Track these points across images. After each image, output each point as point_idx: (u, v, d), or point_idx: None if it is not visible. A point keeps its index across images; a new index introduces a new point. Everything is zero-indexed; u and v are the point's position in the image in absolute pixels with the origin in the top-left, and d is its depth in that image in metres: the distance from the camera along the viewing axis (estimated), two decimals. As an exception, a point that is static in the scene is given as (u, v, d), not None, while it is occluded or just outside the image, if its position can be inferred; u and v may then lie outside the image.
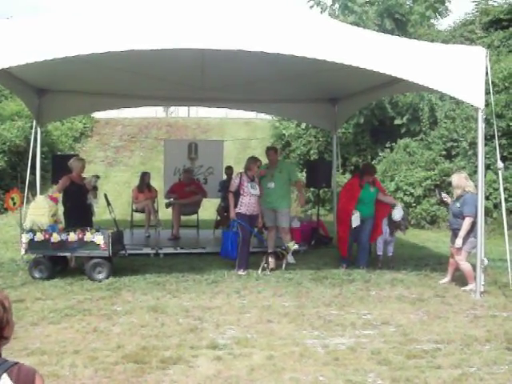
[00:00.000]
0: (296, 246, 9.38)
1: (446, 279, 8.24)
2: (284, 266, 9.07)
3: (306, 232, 11.58)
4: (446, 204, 9.22)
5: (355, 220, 9.07)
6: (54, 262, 8.31)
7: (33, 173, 10.71)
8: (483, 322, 6.31)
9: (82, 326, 5.96)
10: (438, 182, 14.69)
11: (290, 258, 9.59)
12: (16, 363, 2.05)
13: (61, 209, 9.10)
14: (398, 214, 9.24)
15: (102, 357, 5.03)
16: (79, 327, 5.91)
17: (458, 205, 7.92)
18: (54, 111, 11.70)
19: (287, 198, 9.89)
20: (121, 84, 10.85)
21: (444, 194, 8.82)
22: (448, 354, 5.24)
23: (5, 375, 1.98)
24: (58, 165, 10.90)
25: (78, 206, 9.05)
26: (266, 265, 8.82)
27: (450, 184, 8.41)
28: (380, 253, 9.43)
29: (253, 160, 9.27)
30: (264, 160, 9.97)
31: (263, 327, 6.03)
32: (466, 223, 7.70)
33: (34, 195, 9.70)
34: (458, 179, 8.02)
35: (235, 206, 8.99)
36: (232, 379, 4.58)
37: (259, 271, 8.75)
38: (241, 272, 8.72)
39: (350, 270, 8.93)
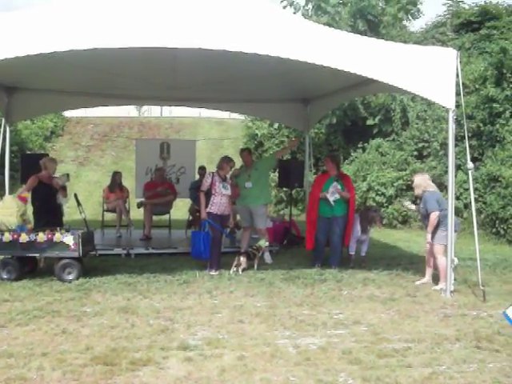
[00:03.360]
0: (267, 244, 9.35)
1: (425, 279, 8.19)
2: (256, 265, 9.04)
3: (279, 232, 11.59)
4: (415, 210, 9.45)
5: (331, 194, 9.14)
6: (22, 263, 8.16)
7: (1, 172, 10.53)
8: (453, 320, 6.36)
9: (50, 327, 5.85)
10: (410, 182, 14.81)
11: (268, 258, 9.61)
12: None
13: (30, 209, 8.96)
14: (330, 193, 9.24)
15: (71, 359, 4.94)
16: (47, 329, 5.80)
17: (421, 205, 8.19)
18: (24, 109, 11.48)
19: (264, 194, 9.85)
20: (92, 82, 10.70)
21: (407, 203, 9.51)
22: (418, 353, 5.27)
23: None
24: (28, 164, 10.74)
25: (47, 206, 8.94)
26: (236, 266, 8.76)
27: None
28: (352, 252, 9.45)
29: (226, 160, 9.22)
30: (237, 160, 9.92)
31: (235, 327, 6.00)
32: (432, 218, 7.87)
33: (3, 195, 9.53)
34: (421, 179, 8.26)
35: (206, 205, 8.94)
36: (203, 380, 4.54)
37: (231, 271, 8.71)
38: (213, 272, 8.66)
39: (322, 269, 8.94)
